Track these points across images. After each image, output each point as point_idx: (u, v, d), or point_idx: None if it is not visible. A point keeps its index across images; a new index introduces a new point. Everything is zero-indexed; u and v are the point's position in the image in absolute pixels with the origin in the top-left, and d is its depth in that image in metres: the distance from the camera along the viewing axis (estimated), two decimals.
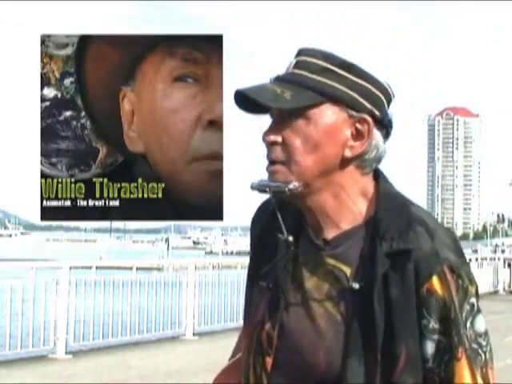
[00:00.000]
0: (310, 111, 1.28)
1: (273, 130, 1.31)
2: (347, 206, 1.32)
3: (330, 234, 1.32)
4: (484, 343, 1.28)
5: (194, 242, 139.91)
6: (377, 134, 1.32)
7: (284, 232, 1.32)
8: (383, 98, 1.33)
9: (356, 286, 1.27)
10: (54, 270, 9.99)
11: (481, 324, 1.29)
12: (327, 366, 1.26)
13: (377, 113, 1.31)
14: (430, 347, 1.26)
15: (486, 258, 21.10)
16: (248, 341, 1.38)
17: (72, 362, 8.60)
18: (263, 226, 1.43)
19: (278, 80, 1.31)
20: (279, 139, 1.30)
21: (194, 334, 10.72)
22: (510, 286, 20.58)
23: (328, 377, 1.26)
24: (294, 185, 1.28)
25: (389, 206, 1.31)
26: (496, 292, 19.46)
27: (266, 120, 1.35)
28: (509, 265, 21.05)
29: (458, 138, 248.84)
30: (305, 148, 1.28)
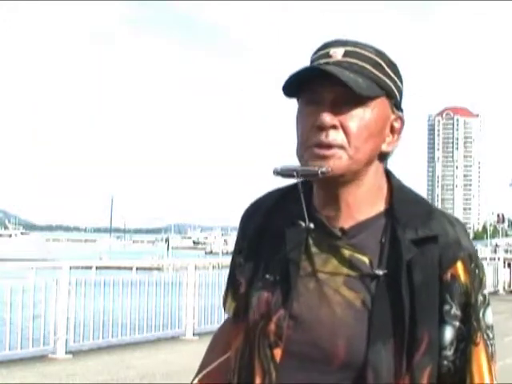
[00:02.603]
0: (370, 101, 1.29)
1: (329, 113, 1.28)
2: (368, 198, 1.34)
3: (347, 223, 1.33)
4: (491, 336, 1.32)
5: (194, 242, 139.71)
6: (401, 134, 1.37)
7: (306, 219, 1.32)
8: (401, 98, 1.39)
9: (380, 272, 1.28)
10: (54, 270, 10.01)
11: (490, 316, 1.33)
12: (348, 354, 1.26)
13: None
14: (448, 333, 1.28)
15: (486, 258, 21.11)
16: (246, 337, 1.36)
17: (72, 362, 8.61)
18: (259, 224, 1.42)
19: (337, 65, 1.29)
20: (338, 123, 1.28)
21: (194, 334, 10.72)
22: (510, 286, 20.59)
23: (348, 364, 1.26)
24: (327, 168, 1.26)
25: (405, 199, 1.35)
26: (496, 292, 19.46)
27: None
28: (509, 265, 21.07)
29: (457, 138, 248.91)
30: (363, 135, 1.29)
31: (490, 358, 1.31)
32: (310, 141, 1.29)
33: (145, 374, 7.90)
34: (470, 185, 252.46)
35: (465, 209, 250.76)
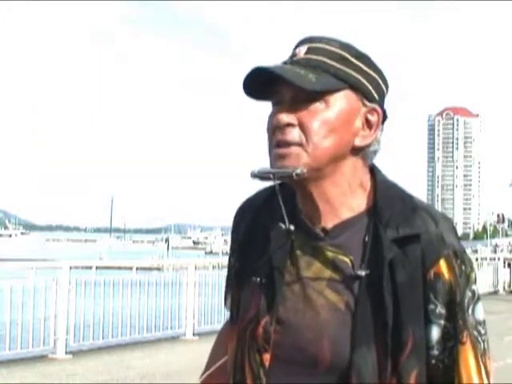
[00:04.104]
0: (329, 96, 1.27)
1: (286, 111, 1.28)
2: (347, 196, 1.31)
3: (329, 223, 1.31)
4: (483, 331, 1.29)
5: (194, 242, 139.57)
6: (380, 127, 1.33)
7: (286, 221, 1.31)
8: (385, 91, 1.35)
9: (362, 273, 1.26)
10: (54, 270, 10.00)
11: (480, 312, 1.30)
12: (333, 356, 1.25)
13: (382, 105, 1.33)
14: (435, 333, 1.26)
15: (486, 258, 21.10)
16: (238, 340, 1.36)
17: (72, 362, 8.60)
18: (249, 224, 1.42)
19: (295, 63, 1.29)
20: (295, 121, 1.27)
21: (194, 334, 10.72)
22: (510, 286, 20.57)
23: (334, 367, 1.25)
24: (302, 170, 1.25)
25: (389, 195, 1.31)
26: (496, 292, 19.45)
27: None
28: (509, 265, 21.05)
29: (457, 138, 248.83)
30: (322, 131, 1.27)
31: (482, 355, 1.28)
32: (272, 141, 1.29)
33: (145, 374, 7.90)
34: (470, 185, 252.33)
35: (465, 209, 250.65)
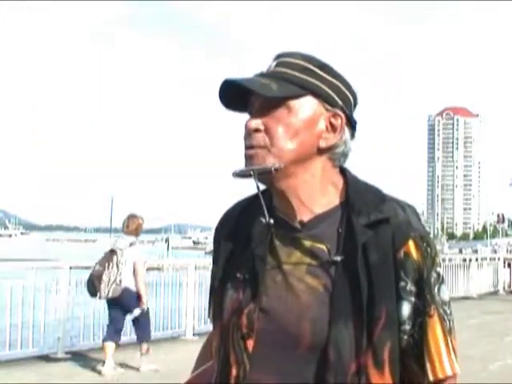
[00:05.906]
0: (291, 102, 1.40)
1: (255, 118, 1.42)
2: (319, 192, 1.43)
3: (305, 216, 1.43)
4: (448, 311, 1.40)
5: (194, 242, 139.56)
6: (346, 131, 1.45)
7: (266, 215, 1.42)
8: (351, 98, 1.47)
9: (337, 258, 1.36)
10: (54, 270, 9.98)
11: (446, 293, 1.41)
12: (312, 335, 1.34)
13: (346, 110, 1.45)
14: (406, 309, 1.36)
15: (486, 258, 21.07)
16: (223, 330, 1.44)
17: (72, 362, 8.59)
18: (231, 227, 1.53)
19: (262, 75, 1.43)
20: (261, 127, 1.41)
21: (194, 334, 10.72)
22: (510, 286, 20.56)
23: (314, 344, 1.34)
24: (280, 164, 1.38)
25: (360, 190, 1.44)
26: (496, 292, 19.45)
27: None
28: (509, 265, 21.04)
29: (458, 138, 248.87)
30: (285, 134, 1.40)
31: (448, 332, 1.38)
32: (245, 145, 1.43)
33: (145, 374, 7.89)
34: (470, 185, 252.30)
35: (465, 209, 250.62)
